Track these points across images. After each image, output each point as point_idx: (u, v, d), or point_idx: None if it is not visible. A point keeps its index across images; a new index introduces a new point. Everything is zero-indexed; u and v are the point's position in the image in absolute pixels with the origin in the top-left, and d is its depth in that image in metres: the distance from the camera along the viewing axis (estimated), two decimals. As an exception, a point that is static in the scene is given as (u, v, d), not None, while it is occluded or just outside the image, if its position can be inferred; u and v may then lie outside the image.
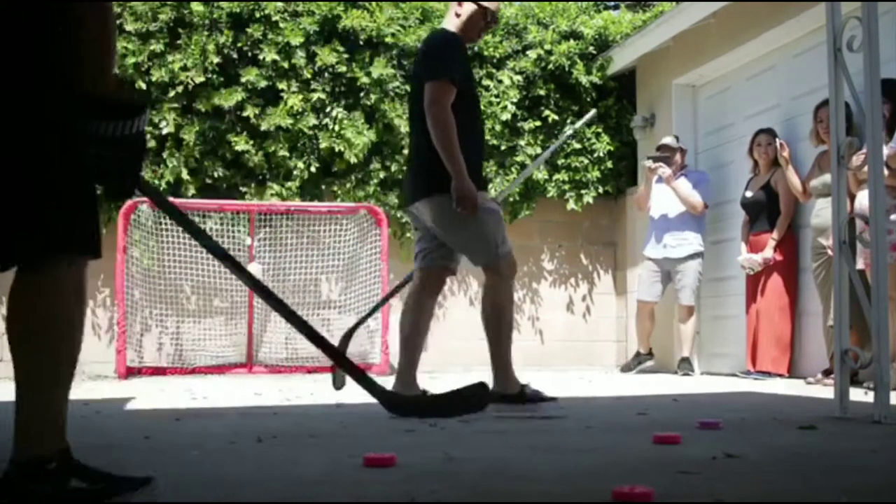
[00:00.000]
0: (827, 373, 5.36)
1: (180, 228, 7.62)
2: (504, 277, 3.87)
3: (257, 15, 7.55)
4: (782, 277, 6.19)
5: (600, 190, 8.17)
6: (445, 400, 2.24)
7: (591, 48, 8.13)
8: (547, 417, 3.62)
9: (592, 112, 6.11)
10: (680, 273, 6.94)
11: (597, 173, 8.07)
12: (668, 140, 7.15)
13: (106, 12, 1.77)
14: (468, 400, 2.22)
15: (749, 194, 6.41)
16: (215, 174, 7.48)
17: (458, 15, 3.85)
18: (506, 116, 7.82)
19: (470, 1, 3.82)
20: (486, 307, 3.93)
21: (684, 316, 6.97)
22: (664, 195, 7.02)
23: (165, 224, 7.38)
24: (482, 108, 7.76)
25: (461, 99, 3.69)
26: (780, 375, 6.10)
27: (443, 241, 3.84)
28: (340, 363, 2.24)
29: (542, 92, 8.01)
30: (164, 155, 7.37)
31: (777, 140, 6.11)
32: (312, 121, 7.52)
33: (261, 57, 7.50)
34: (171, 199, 7.24)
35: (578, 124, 6.22)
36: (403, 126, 7.62)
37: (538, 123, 7.99)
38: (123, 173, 1.85)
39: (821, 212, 5.58)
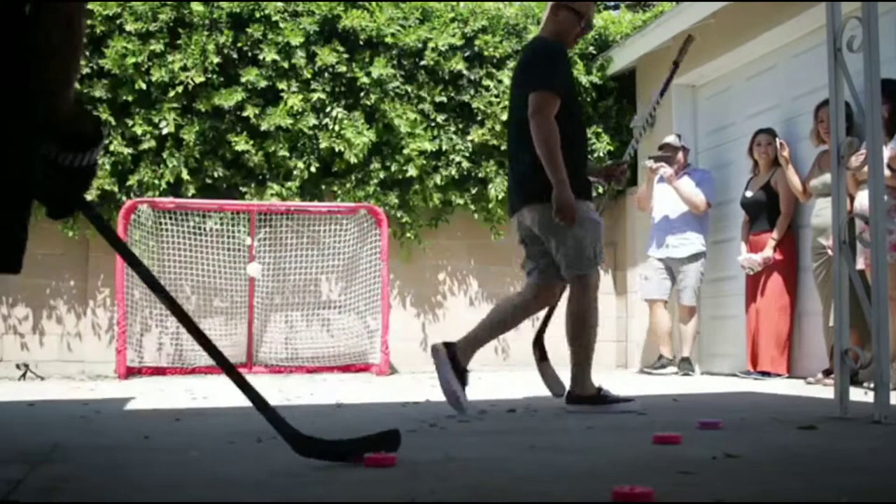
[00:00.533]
0: (827, 373, 5.36)
1: (181, 228, 7.62)
2: (592, 288, 3.96)
3: (257, 15, 7.55)
4: (782, 277, 6.19)
5: (600, 190, 8.15)
6: (354, 444, 2.20)
7: (591, 48, 8.13)
8: (628, 411, 3.71)
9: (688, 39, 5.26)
10: (682, 273, 6.93)
11: (597, 173, 8.06)
12: (670, 139, 7.14)
13: (70, 18, 1.65)
14: (378, 444, 2.19)
15: (749, 194, 6.41)
16: (215, 174, 7.48)
17: (555, 22, 3.92)
18: (506, 116, 7.81)
19: (566, 8, 3.89)
20: (571, 314, 4.02)
21: (685, 316, 6.97)
22: (666, 195, 7.01)
23: (165, 224, 7.38)
24: (482, 108, 7.83)
25: (564, 108, 3.76)
26: (780, 375, 6.10)
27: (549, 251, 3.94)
28: (234, 379, 2.21)
29: (542, 92, 7.99)
30: (164, 155, 7.38)
31: (777, 140, 6.11)
32: (312, 121, 7.52)
33: (261, 57, 7.50)
34: (171, 199, 7.27)
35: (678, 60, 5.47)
36: (403, 126, 7.63)
37: (538, 123, 7.98)
38: (67, 198, 1.84)
39: (821, 212, 5.58)
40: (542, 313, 4.40)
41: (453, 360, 3.76)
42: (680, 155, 7.08)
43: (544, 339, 4.54)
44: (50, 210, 1.90)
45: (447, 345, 3.79)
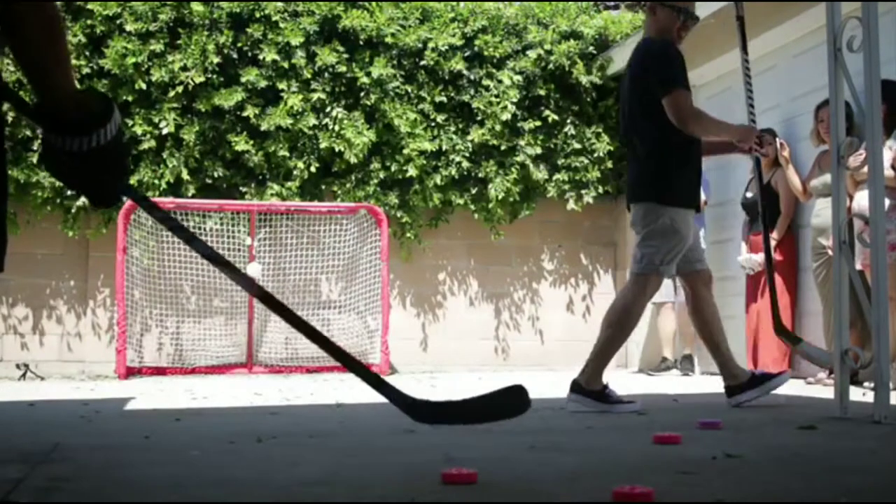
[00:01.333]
0: (828, 373, 5.36)
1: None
2: (646, 294, 3.97)
3: (257, 15, 7.55)
4: (782, 277, 6.18)
5: (600, 190, 8.16)
6: (478, 404, 2.01)
7: (591, 48, 8.13)
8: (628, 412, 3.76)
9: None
10: None
11: (597, 173, 8.07)
12: None
13: (50, 17, 1.63)
14: (503, 405, 1.99)
15: (749, 194, 6.41)
16: (215, 174, 7.48)
17: (655, 21, 4.00)
18: (506, 116, 7.82)
19: (661, 6, 3.96)
20: (616, 306, 3.99)
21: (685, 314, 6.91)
22: None
23: (165, 224, 7.38)
24: (482, 108, 7.83)
25: None
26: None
27: (690, 245, 3.99)
28: (354, 369, 2.17)
29: (542, 92, 8.01)
30: (164, 155, 7.38)
31: (777, 140, 6.11)
32: (312, 121, 7.52)
33: (261, 57, 7.50)
34: (171, 199, 7.26)
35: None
36: (403, 126, 7.63)
37: (538, 123, 7.99)
38: (100, 184, 1.78)
39: (821, 212, 5.58)
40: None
41: (586, 391, 3.89)
42: None
43: (783, 323, 4.68)
44: (92, 199, 1.85)
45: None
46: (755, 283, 6.30)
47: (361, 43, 7.74)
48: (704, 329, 4.11)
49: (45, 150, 1.73)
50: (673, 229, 3.86)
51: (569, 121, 8.04)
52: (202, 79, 7.35)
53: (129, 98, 7.29)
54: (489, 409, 2.00)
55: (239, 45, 7.52)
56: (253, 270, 7.42)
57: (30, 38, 1.61)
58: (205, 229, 7.48)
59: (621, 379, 6.73)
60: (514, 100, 7.87)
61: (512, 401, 1.97)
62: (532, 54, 7.98)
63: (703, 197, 6.78)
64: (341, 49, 7.65)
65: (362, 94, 7.67)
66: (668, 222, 3.85)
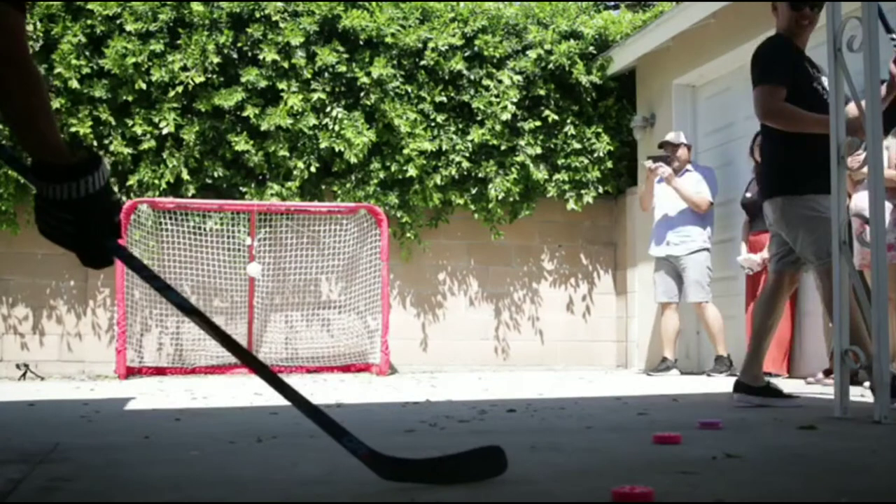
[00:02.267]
0: (827, 373, 5.36)
1: (181, 228, 7.61)
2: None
3: (257, 15, 7.55)
4: None
5: (600, 190, 8.17)
6: (451, 465, 1.91)
7: (591, 48, 8.14)
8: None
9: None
10: (684, 270, 6.83)
11: (597, 173, 8.07)
12: (670, 136, 7.11)
13: (31, 73, 1.70)
14: (478, 468, 1.91)
15: (749, 195, 6.41)
16: (215, 174, 7.49)
17: (776, 18, 4.04)
18: (506, 116, 7.82)
19: (777, 4, 4.01)
20: (824, 301, 4.02)
21: (700, 314, 6.83)
22: (666, 194, 6.98)
23: (165, 224, 7.39)
24: (482, 108, 7.83)
25: (801, 99, 3.83)
26: (780, 376, 6.09)
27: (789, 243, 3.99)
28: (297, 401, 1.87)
29: (542, 92, 8.01)
30: (164, 155, 7.38)
31: None
32: (312, 121, 7.52)
33: (261, 57, 7.50)
34: (171, 199, 7.27)
35: None
36: (403, 126, 7.63)
37: (538, 123, 7.99)
38: (90, 240, 1.79)
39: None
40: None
41: (753, 390, 3.92)
42: (681, 151, 7.02)
43: None
44: (82, 257, 1.84)
45: (737, 387, 3.98)
46: (755, 284, 6.30)
47: (361, 43, 7.74)
48: (764, 322, 4.05)
49: (37, 206, 1.76)
50: (817, 215, 3.80)
51: (569, 121, 8.05)
52: (202, 79, 7.35)
53: (129, 98, 7.29)
54: (462, 470, 1.92)
55: (239, 45, 7.52)
56: (253, 270, 7.42)
57: (10, 90, 1.68)
58: (205, 229, 7.48)
59: (621, 379, 6.73)
60: (514, 100, 7.87)
61: (488, 463, 1.93)
62: (532, 54, 7.98)
63: (705, 195, 6.83)
64: (341, 49, 7.65)
65: (362, 94, 7.67)
66: (809, 211, 3.81)
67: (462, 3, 8.11)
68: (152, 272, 2.01)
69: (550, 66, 7.99)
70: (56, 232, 1.77)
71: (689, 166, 7.01)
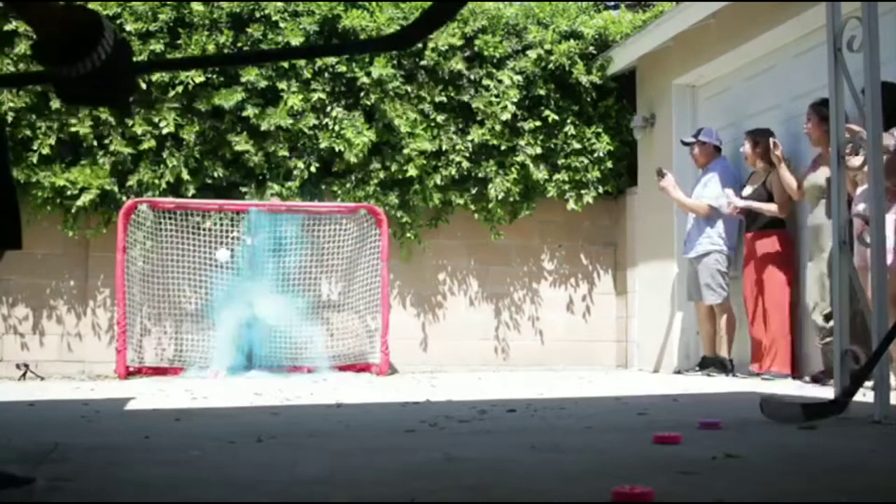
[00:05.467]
0: (822, 374, 5.43)
1: (181, 228, 7.59)
2: None
3: (257, 15, 7.55)
4: (783, 274, 6.19)
5: (600, 190, 8.16)
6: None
7: (591, 48, 8.13)
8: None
9: None
10: (698, 273, 6.78)
11: (597, 173, 8.07)
12: (687, 138, 7.02)
13: None
14: None
15: (746, 192, 6.43)
16: (215, 174, 7.49)
17: None
18: (506, 116, 7.82)
19: None
20: None
21: (713, 315, 6.78)
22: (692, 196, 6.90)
23: (165, 224, 7.38)
24: (482, 108, 7.82)
25: None
26: (784, 375, 6.08)
27: None
28: None
29: (542, 92, 8.01)
30: (164, 155, 7.38)
31: (771, 139, 6.10)
32: (312, 121, 7.52)
33: (261, 57, 7.50)
34: (171, 199, 7.26)
35: None
36: (403, 126, 7.63)
37: (538, 123, 7.99)
38: (115, 96, 1.72)
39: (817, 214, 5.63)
40: None
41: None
42: (696, 150, 6.89)
43: None
44: (112, 105, 1.82)
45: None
46: (756, 283, 6.30)
47: (361, 43, 7.74)
48: None
49: (55, 87, 1.67)
50: None
51: (569, 121, 8.04)
52: (202, 79, 7.35)
53: (129, 98, 7.27)
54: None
55: (239, 45, 7.52)
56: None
57: None
58: (205, 229, 7.48)
59: (621, 379, 6.73)
60: (514, 100, 7.86)
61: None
62: (532, 54, 7.98)
63: (703, 202, 6.74)
64: (341, 49, 7.65)
65: (362, 94, 7.67)
66: None
67: (462, 3, 8.09)
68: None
69: (550, 66, 7.99)
70: (85, 99, 1.69)
71: (710, 166, 6.89)
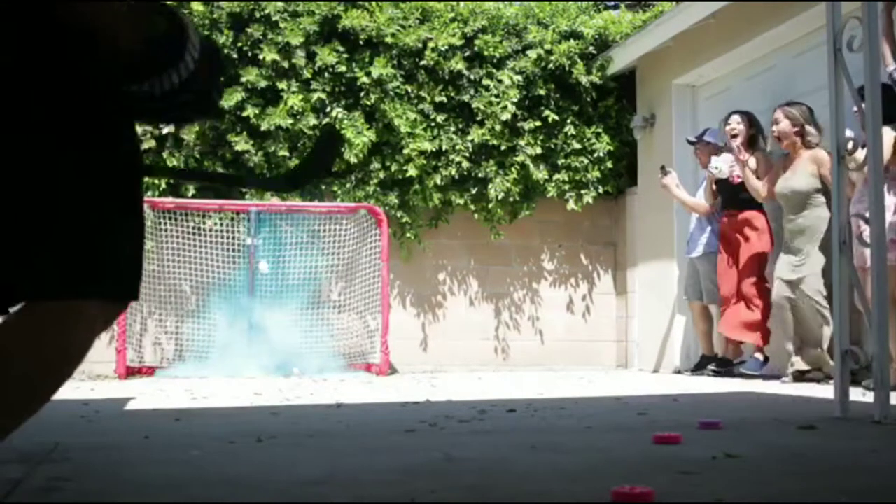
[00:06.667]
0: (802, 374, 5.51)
1: (181, 228, 7.58)
2: None
3: (257, 15, 7.55)
4: (758, 251, 6.20)
5: (600, 190, 8.16)
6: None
7: (591, 48, 8.13)
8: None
9: None
10: (699, 273, 6.75)
11: (597, 173, 8.07)
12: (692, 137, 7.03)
13: None
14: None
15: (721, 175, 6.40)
16: (215, 174, 7.49)
17: None
18: (506, 116, 7.82)
19: None
20: None
21: (710, 315, 6.83)
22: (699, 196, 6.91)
23: (165, 224, 7.38)
24: (482, 108, 7.82)
25: None
26: (759, 349, 6.10)
27: None
28: None
29: (542, 92, 8.00)
30: (164, 155, 7.38)
31: (735, 143, 6.14)
32: (312, 121, 7.52)
33: (261, 57, 7.50)
34: (171, 199, 7.24)
35: None
36: (403, 126, 7.63)
37: (538, 123, 7.99)
38: (207, 110, 1.55)
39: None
40: None
41: None
42: (700, 149, 6.86)
43: None
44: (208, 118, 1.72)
45: None
46: (730, 268, 6.32)
47: (361, 43, 7.74)
48: None
49: (137, 110, 1.44)
50: None
51: (569, 121, 8.04)
52: (202, 79, 7.34)
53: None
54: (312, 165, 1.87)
55: (239, 45, 7.52)
56: (263, 267, 7.43)
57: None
58: (205, 229, 7.48)
59: (621, 379, 6.73)
60: (514, 100, 7.86)
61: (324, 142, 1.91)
62: (532, 54, 7.98)
63: (703, 201, 6.73)
64: (341, 49, 7.65)
65: (362, 94, 7.67)
66: None
67: (462, 4, 8.10)
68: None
69: (550, 66, 7.98)
70: (176, 119, 1.56)
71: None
